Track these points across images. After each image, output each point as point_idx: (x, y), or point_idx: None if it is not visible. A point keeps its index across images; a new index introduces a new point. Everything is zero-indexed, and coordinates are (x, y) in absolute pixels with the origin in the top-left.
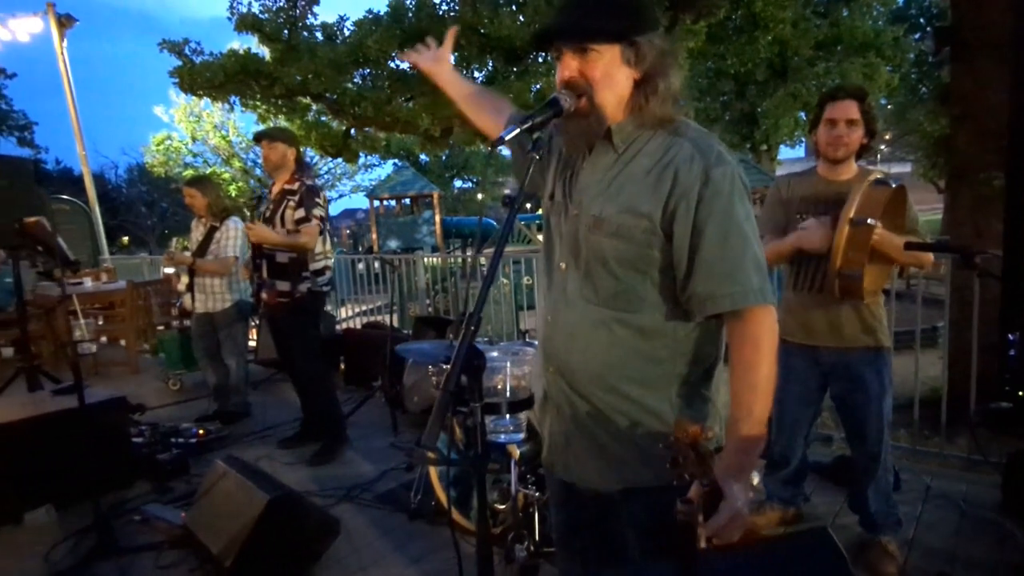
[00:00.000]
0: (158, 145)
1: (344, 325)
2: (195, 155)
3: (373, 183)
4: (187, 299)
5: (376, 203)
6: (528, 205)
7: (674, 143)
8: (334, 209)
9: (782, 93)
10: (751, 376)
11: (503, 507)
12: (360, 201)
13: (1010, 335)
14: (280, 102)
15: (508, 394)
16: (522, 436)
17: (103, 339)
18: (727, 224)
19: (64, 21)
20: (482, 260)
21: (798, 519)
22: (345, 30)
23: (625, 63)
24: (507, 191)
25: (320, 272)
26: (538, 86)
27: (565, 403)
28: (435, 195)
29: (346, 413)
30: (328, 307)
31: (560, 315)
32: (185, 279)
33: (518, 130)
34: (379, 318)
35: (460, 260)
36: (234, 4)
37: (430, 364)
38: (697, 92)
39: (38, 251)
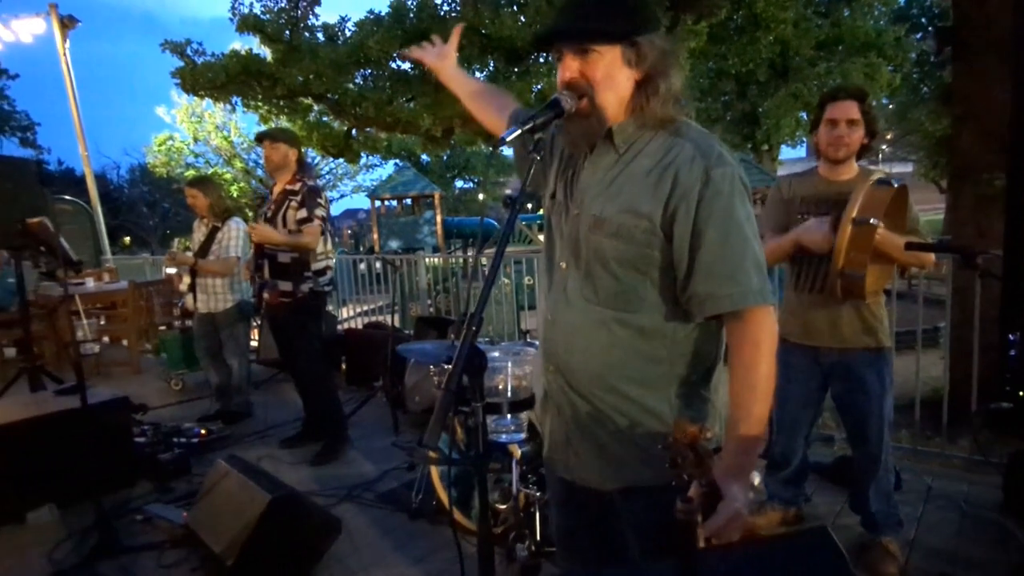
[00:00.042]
0: (160, 145)
1: (345, 325)
2: (197, 155)
3: (374, 183)
4: (189, 299)
5: (377, 203)
6: (529, 205)
7: (675, 144)
8: (335, 209)
9: (783, 93)
10: (751, 376)
11: (504, 507)
12: (361, 201)
13: (1010, 335)
14: (282, 103)
15: (509, 394)
16: (523, 436)
17: (105, 339)
18: (727, 225)
19: (66, 22)
20: (483, 260)
21: (799, 519)
22: (346, 31)
23: (626, 64)
24: (508, 191)
25: (322, 272)
26: (539, 86)
27: (565, 403)
28: (436, 195)
29: (347, 413)
30: (329, 307)
31: (560, 315)
32: (187, 279)
33: (519, 131)
34: (380, 318)
35: (461, 260)
36: (236, 5)
37: (431, 364)
38: (698, 92)
39: (41, 251)
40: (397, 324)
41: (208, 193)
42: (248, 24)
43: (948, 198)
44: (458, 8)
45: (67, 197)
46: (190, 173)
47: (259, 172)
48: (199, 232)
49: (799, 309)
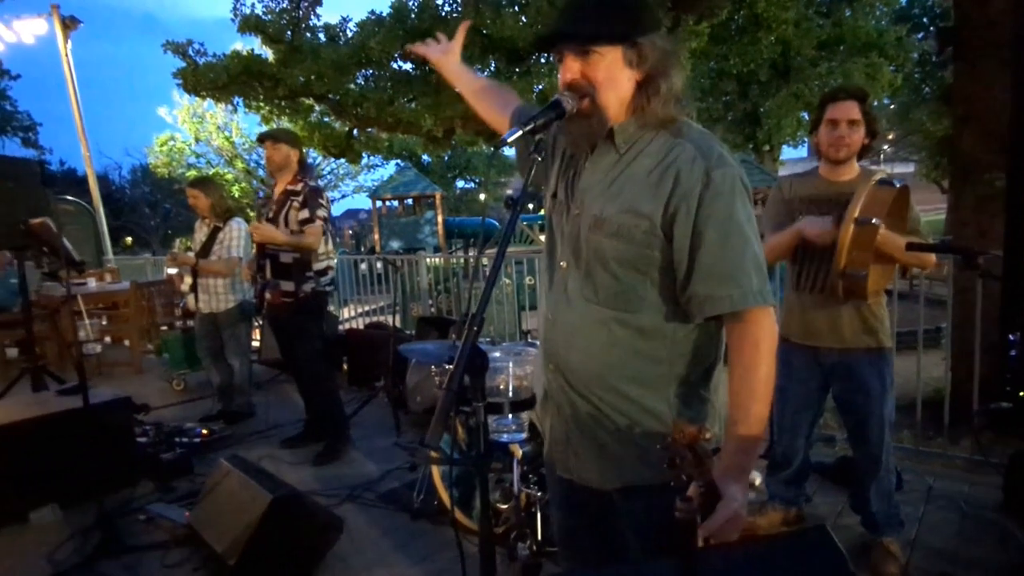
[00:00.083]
0: (161, 146)
1: (347, 325)
2: (198, 156)
3: (375, 183)
4: (191, 299)
5: (378, 203)
6: (530, 206)
7: (676, 144)
8: (337, 209)
9: (785, 93)
10: (750, 377)
11: (506, 506)
12: (362, 201)
13: (1010, 335)
14: (283, 103)
15: (511, 394)
16: (524, 435)
17: (107, 339)
18: (728, 225)
19: (68, 23)
20: (485, 261)
21: (800, 520)
22: (348, 31)
23: (627, 64)
24: (509, 192)
25: (323, 272)
26: (540, 86)
27: (565, 402)
28: (437, 196)
29: (349, 413)
30: (331, 307)
31: (561, 314)
32: (189, 279)
33: (520, 132)
34: (382, 318)
35: (462, 260)
36: (237, 5)
37: (433, 364)
38: (700, 92)
39: (43, 252)
40: (398, 324)
41: (209, 193)
42: (250, 24)
43: (949, 198)
44: (459, 8)
45: (69, 197)
46: (192, 173)
47: (260, 172)
48: (201, 232)
49: (800, 309)
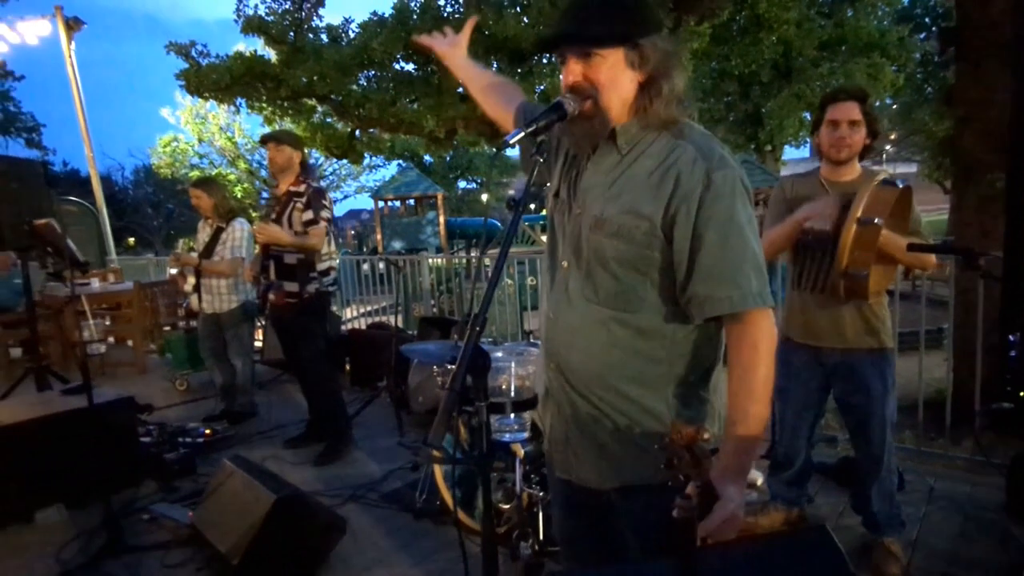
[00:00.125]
0: (164, 147)
1: (349, 326)
2: (201, 156)
3: (377, 184)
4: (194, 300)
5: (380, 204)
6: (532, 206)
7: (677, 146)
8: (339, 210)
9: (786, 94)
10: (749, 378)
11: (508, 506)
12: (365, 202)
13: (1010, 336)
14: (286, 104)
15: (513, 394)
16: (526, 435)
17: (110, 339)
18: (728, 227)
19: (72, 24)
20: (487, 261)
21: (802, 520)
22: (350, 32)
23: (629, 66)
24: (511, 192)
25: (326, 272)
26: (542, 87)
27: (565, 401)
28: (439, 196)
29: (351, 413)
30: (333, 308)
31: (562, 313)
32: (192, 280)
33: (522, 134)
34: (384, 319)
35: (464, 261)
36: (240, 6)
37: (435, 364)
38: (701, 93)
39: (48, 252)
40: (400, 324)
41: (212, 194)
42: (253, 26)
43: (952, 199)
44: (461, 9)
45: (72, 198)
46: (194, 174)
47: (263, 173)
48: (203, 233)
49: (801, 309)
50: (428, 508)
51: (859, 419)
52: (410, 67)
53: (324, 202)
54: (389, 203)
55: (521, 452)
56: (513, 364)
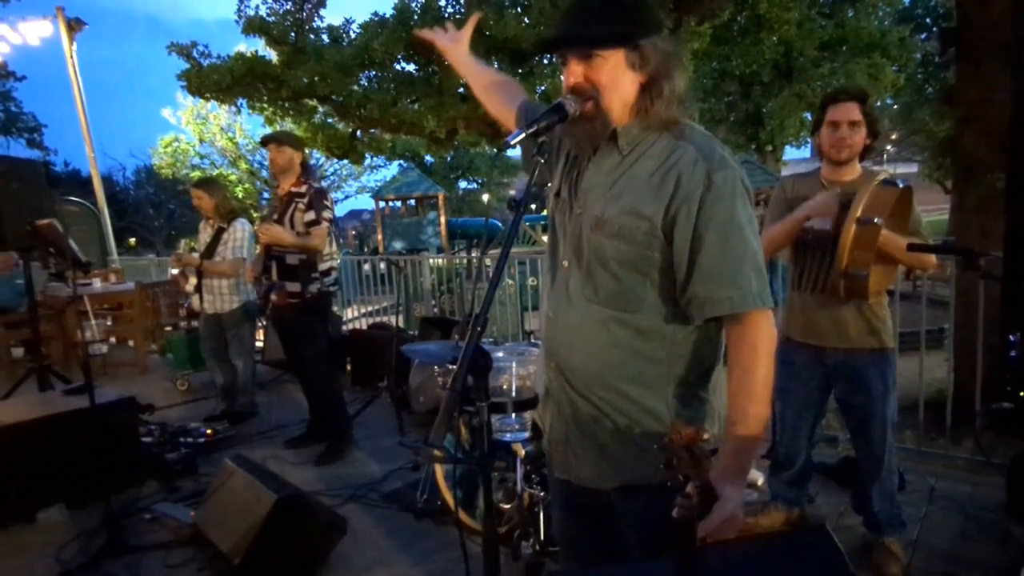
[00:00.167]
0: (166, 147)
1: (350, 326)
2: (202, 157)
3: (378, 184)
4: (195, 300)
5: (381, 204)
6: (533, 206)
7: (678, 147)
8: (340, 210)
9: (787, 94)
10: (748, 379)
11: (509, 506)
12: (365, 202)
13: (1011, 336)
14: (287, 104)
15: (514, 393)
16: (527, 435)
17: (112, 340)
18: (728, 228)
19: (73, 25)
20: (488, 261)
21: (803, 520)
22: (351, 32)
23: (630, 67)
24: (512, 192)
25: (327, 272)
26: (543, 87)
27: (565, 401)
28: (440, 196)
29: (352, 413)
30: (334, 308)
31: (562, 313)
32: (194, 280)
33: (523, 135)
34: (385, 319)
35: (465, 261)
36: (241, 7)
37: (436, 364)
38: (702, 93)
39: (50, 252)
40: (401, 325)
41: (214, 194)
42: (254, 26)
43: (952, 199)
44: (462, 10)
45: (73, 198)
46: (195, 174)
47: (264, 174)
48: (205, 233)
49: (801, 308)
50: (429, 508)
51: (860, 419)
52: (411, 67)
53: (326, 202)
54: (390, 203)
55: (522, 452)
56: (514, 364)
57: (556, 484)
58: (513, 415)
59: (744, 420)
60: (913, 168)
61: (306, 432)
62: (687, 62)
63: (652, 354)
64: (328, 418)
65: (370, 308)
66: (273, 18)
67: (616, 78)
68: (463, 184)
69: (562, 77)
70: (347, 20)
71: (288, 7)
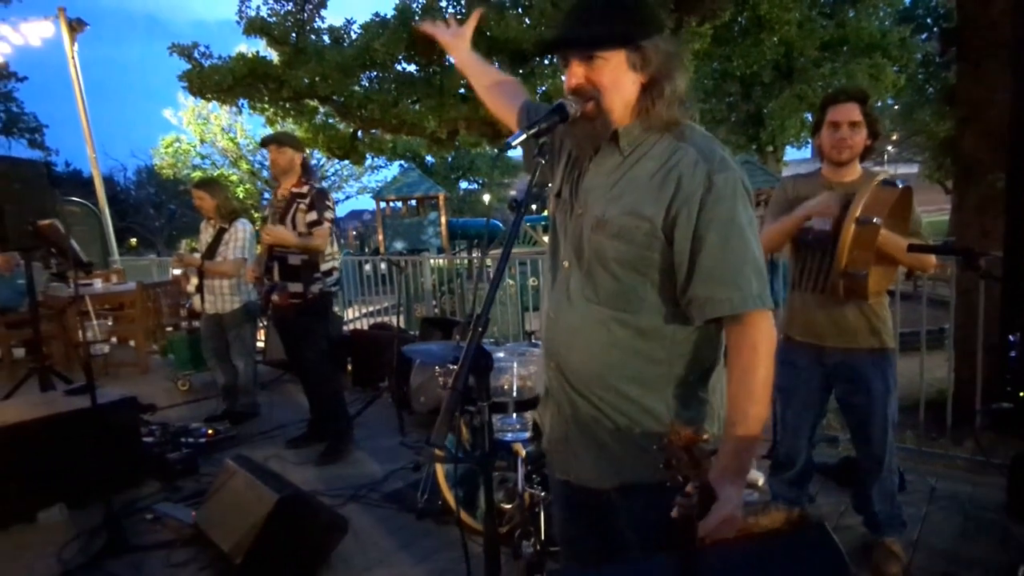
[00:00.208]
0: (167, 147)
1: (351, 326)
2: (203, 157)
3: (379, 185)
4: (196, 300)
5: (382, 204)
6: (534, 207)
7: (679, 148)
8: (341, 211)
9: (788, 94)
10: (748, 379)
11: (509, 506)
12: (366, 202)
13: (1011, 336)
14: (288, 105)
15: (515, 393)
16: (528, 435)
17: (113, 340)
18: (729, 229)
19: (75, 25)
20: (488, 262)
21: (803, 520)
22: (352, 33)
23: (631, 68)
24: (513, 193)
25: (329, 272)
26: (544, 88)
27: (565, 401)
28: (441, 196)
29: (353, 413)
30: (335, 308)
31: (562, 313)
32: (195, 280)
33: (524, 136)
34: (386, 319)
35: (466, 261)
36: (243, 8)
37: (437, 365)
38: (703, 94)
39: (52, 253)
40: (402, 325)
41: (215, 195)
42: (255, 27)
43: (953, 199)
44: (463, 11)
45: (75, 199)
46: (196, 175)
47: (265, 174)
48: (206, 234)
49: (802, 308)
50: (430, 508)
51: (860, 419)
52: (412, 68)
53: (327, 203)
54: (391, 204)
55: (523, 452)
56: (515, 364)
57: (556, 484)
58: (514, 415)
59: (744, 420)
60: (914, 169)
61: (307, 432)
62: (688, 63)
63: (652, 354)
64: (329, 418)
65: (371, 308)
66: (274, 19)
67: (617, 79)
68: (464, 184)
69: (563, 78)
70: (348, 21)
71: (289, 8)
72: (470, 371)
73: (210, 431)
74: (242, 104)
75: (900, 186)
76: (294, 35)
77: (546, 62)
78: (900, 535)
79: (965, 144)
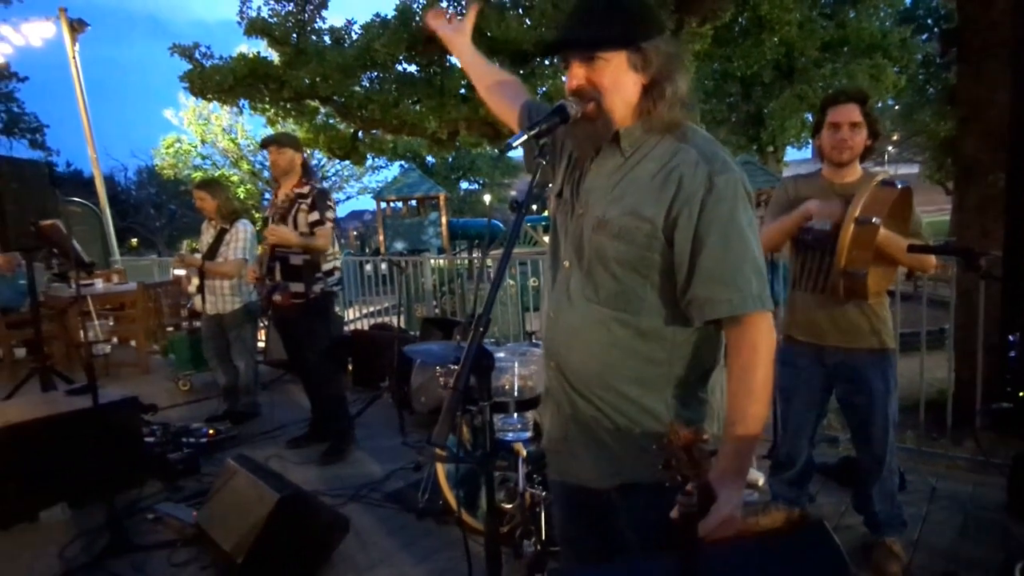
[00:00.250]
0: (167, 148)
1: (352, 326)
2: (204, 158)
3: (380, 185)
4: (197, 301)
5: (383, 205)
6: (534, 207)
7: (680, 149)
8: (341, 211)
9: (788, 94)
10: (748, 380)
11: (510, 506)
12: (367, 203)
13: (1011, 336)
14: (289, 105)
15: (516, 393)
16: (529, 435)
17: (114, 340)
18: (729, 230)
19: (76, 26)
20: (489, 262)
21: (803, 520)
22: (353, 34)
23: (632, 69)
24: (513, 193)
25: (330, 272)
26: (544, 88)
27: (565, 400)
28: (441, 197)
29: (354, 413)
30: (336, 308)
31: (562, 313)
32: (196, 281)
33: (524, 137)
34: (386, 319)
35: (466, 262)
36: (243, 8)
37: (437, 365)
38: (703, 94)
39: (53, 253)
40: (403, 325)
41: (216, 195)
42: (256, 27)
43: (953, 199)
44: (463, 11)
45: (76, 199)
46: (197, 175)
47: (266, 174)
48: (207, 234)
49: (803, 308)
50: (431, 508)
51: (861, 419)
52: (413, 68)
53: (329, 203)
54: (391, 204)
55: (524, 452)
56: (516, 364)
57: (556, 484)
58: (515, 415)
59: (743, 420)
60: (914, 169)
61: (308, 432)
62: (688, 63)
63: (652, 355)
64: (330, 418)
65: (371, 309)
66: (275, 19)
67: (618, 80)
68: (464, 185)
69: (564, 79)
70: (349, 21)
71: (290, 8)
72: (471, 371)
73: (211, 431)
74: (243, 104)
75: (899, 186)
76: (295, 35)
77: (547, 63)
78: (900, 535)
79: (965, 144)
